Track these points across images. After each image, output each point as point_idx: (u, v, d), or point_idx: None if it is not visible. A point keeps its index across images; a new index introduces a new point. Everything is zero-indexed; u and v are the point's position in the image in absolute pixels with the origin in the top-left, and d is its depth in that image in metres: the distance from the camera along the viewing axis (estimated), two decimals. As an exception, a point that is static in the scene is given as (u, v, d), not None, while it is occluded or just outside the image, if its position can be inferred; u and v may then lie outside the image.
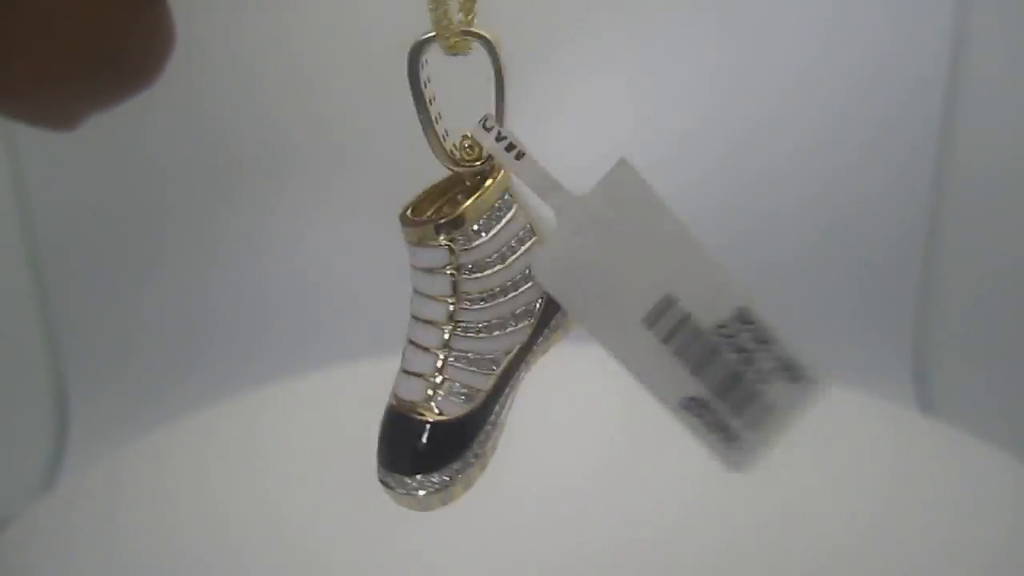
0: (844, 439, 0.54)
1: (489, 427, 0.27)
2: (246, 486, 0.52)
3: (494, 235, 0.26)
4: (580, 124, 0.65)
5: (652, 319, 0.26)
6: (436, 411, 0.27)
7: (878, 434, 0.55)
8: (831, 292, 0.70)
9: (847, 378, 0.59)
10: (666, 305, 0.26)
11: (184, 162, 0.66)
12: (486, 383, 0.27)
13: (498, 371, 0.27)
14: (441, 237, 0.26)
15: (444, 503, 0.27)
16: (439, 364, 0.27)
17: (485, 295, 0.27)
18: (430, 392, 0.27)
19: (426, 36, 0.25)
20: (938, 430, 0.57)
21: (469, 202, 0.26)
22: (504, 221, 0.26)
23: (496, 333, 0.27)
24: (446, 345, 0.27)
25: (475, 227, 0.26)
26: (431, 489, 0.27)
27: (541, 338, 0.28)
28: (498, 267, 0.26)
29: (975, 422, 0.56)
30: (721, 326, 0.27)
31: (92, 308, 0.67)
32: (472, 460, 0.27)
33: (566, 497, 0.51)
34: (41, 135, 0.64)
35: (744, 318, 0.27)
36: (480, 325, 0.27)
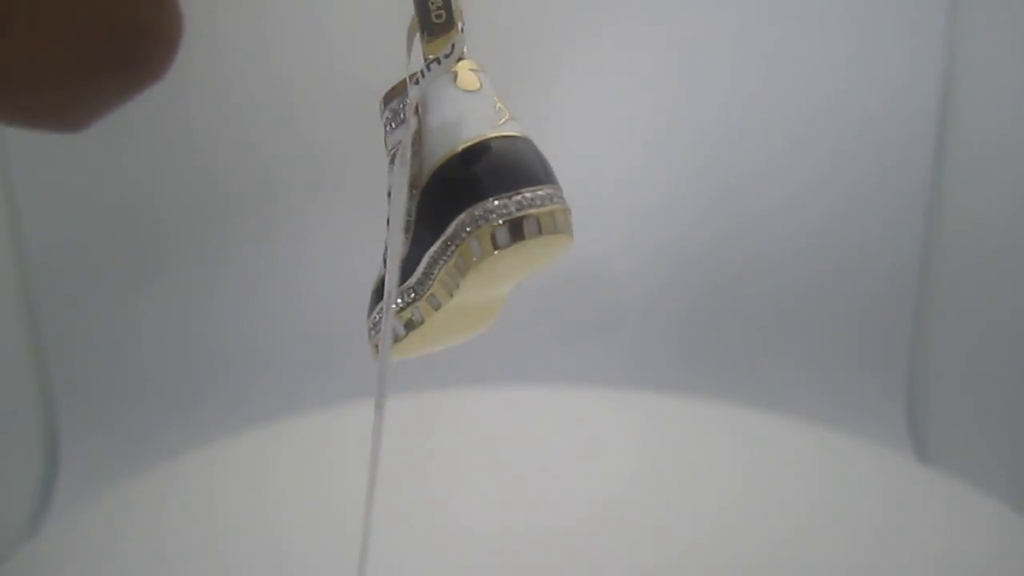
0: (839, 484, 0.54)
1: (408, 292, 0.29)
2: (241, 530, 0.52)
3: (391, 132, 0.29)
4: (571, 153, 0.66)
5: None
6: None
7: (872, 480, 0.55)
8: (825, 337, 0.70)
9: (842, 423, 0.59)
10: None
11: (177, 199, 0.66)
12: (403, 246, 0.29)
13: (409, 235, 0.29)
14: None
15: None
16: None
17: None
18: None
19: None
20: (933, 478, 0.57)
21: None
22: (399, 122, 0.29)
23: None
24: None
25: (387, 114, 0.30)
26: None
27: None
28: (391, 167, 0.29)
29: (971, 470, 0.56)
30: None
31: (84, 347, 0.67)
32: (396, 307, 0.29)
33: (572, 538, 0.50)
34: (32, 164, 0.64)
35: None
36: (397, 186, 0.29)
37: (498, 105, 0.28)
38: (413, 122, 0.28)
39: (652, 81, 0.66)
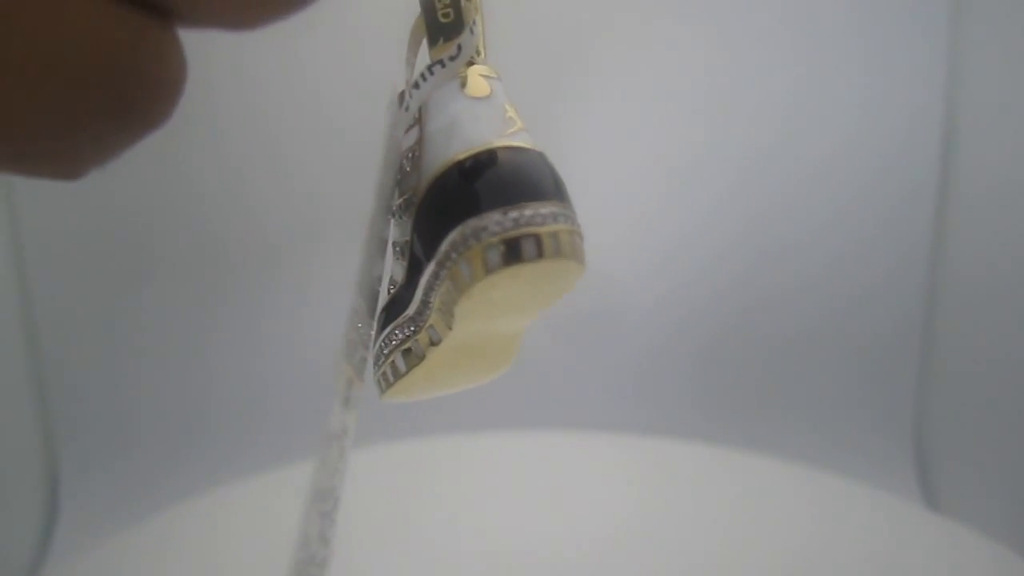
0: (846, 531, 0.54)
1: (408, 325, 0.25)
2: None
3: (395, 134, 0.26)
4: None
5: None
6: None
7: (880, 527, 0.55)
8: (830, 382, 0.70)
9: (848, 469, 0.59)
10: None
11: (179, 247, 0.66)
12: (401, 272, 0.26)
13: (405, 261, 0.26)
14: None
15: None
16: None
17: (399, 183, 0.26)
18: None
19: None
20: (942, 525, 0.56)
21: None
22: (401, 126, 0.26)
23: (404, 218, 0.26)
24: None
25: (388, 121, 0.26)
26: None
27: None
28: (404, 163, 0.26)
29: (981, 517, 0.55)
30: None
31: (86, 395, 0.67)
32: (396, 340, 0.26)
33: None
34: (38, 217, 0.65)
35: None
36: (399, 205, 0.26)
37: (509, 114, 0.25)
38: (412, 134, 0.25)
39: (670, 122, 0.67)
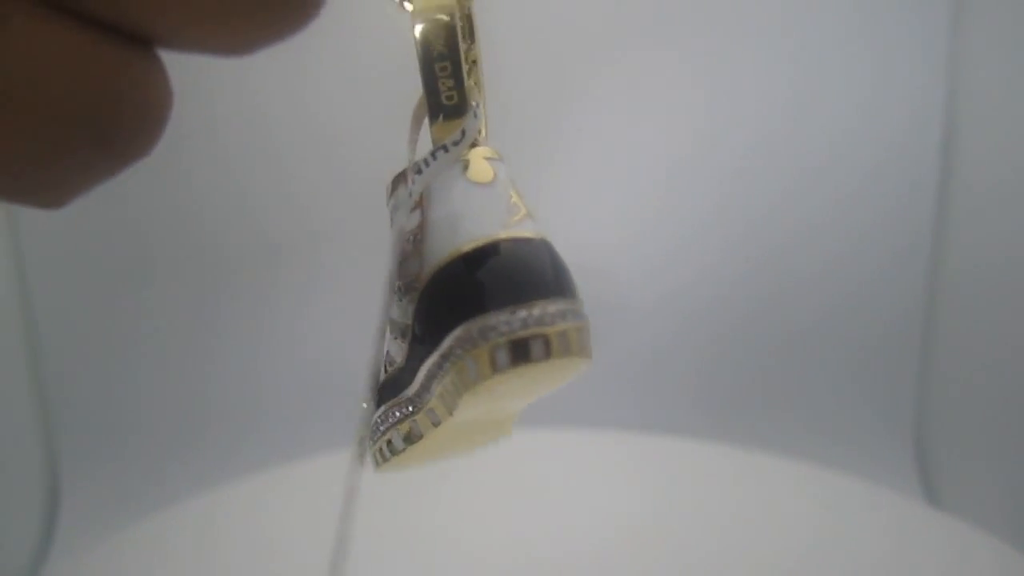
0: (846, 528, 0.54)
1: (407, 404, 0.25)
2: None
3: (399, 221, 0.25)
4: (581, 186, 0.66)
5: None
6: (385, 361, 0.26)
7: (881, 523, 0.55)
8: (830, 379, 0.70)
9: (849, 466, 0.59)
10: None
11: (179, 251, 0.66)
12: (399, 353, 0.26)
13: (405, 343, 0.25)
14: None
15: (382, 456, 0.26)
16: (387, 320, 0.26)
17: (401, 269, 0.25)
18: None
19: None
20: (943, 521, 0.56)
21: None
22: (404, 211, 0.25)
23: (404, 301, 0.25)
24: (389, 303, 0.26)
25: (392, 204, 0.25)
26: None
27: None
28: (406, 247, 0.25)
29: (981, 513, 0.55)
30: None
31: (86, 394, 0.67)
32: (394, 419, 0.26)
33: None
34: (37, 214, 0.65)
35: None
36: (399, 288, 0.25)
37: (513, 200, 0.24)
38: (414, 216, 0.24)
39: (667, 178, 0.67)
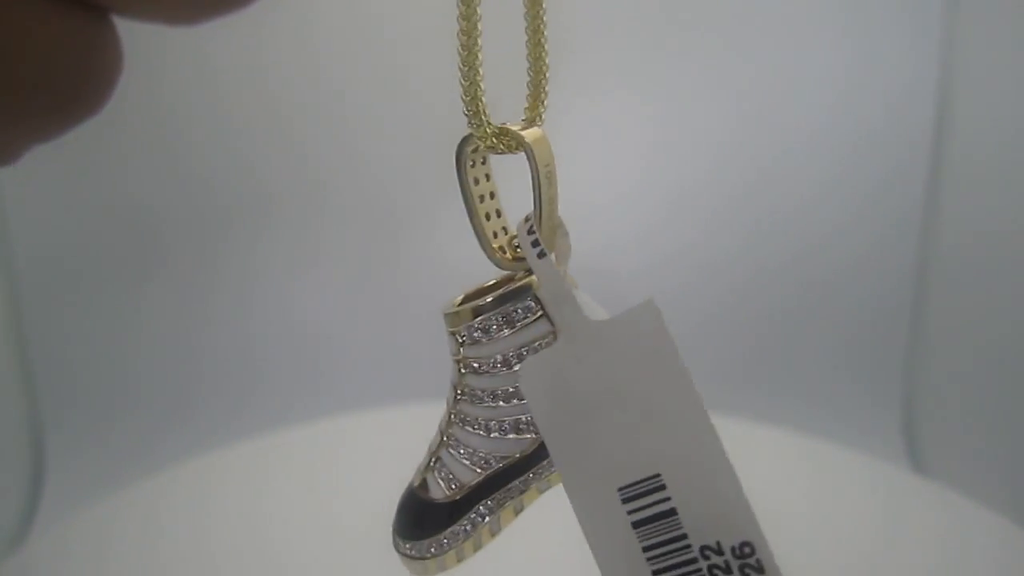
0: (833, 496, 0.54)
1: (467, 525, 0.26)
2: (235, 542, 0.51)
3: (503, 337, 0.25)
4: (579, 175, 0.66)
5: (630, 495, 0.22)
6: (425, 487, 0.27)
7: (868, 492, 0.55)
8: (819, 349, 0.70)
9: (837, 435, 0.59)
10: (652, 487, 0.22)
11: (171, 207, 0.66)
12: (471, 478, 0.26)
13: (488, 472, 0.26)
14: (449, 327, 0.25)
15: (426, 572, 0.27)
16: (437, 444, 0.27)
17: (485, 394, 0.25)
18: (427, 467, 0.27)
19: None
20: (929, 490, 0.57)
21: (467, 299, 0.26)
22: (518, 326, 0.25)
23: (494, 435, 0.26)
24: (447, 429, 0.26)
25: (479, 324, 0.25)
26: (410, 555, 0.27)
27: (547, 461, 0.26)
28: (502, 371, 0.25)
29: (968, 482, 0.56)
30: (709, 548, 0.22)
31: (73, 355, 0.66)
32: (444, 545, 0.27)
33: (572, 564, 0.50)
34: (22, 169, 0.64)
35: (742, 552, 0.23)
36: (478, 421, 0.26)
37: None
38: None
39: (652, 99, 0.67)
